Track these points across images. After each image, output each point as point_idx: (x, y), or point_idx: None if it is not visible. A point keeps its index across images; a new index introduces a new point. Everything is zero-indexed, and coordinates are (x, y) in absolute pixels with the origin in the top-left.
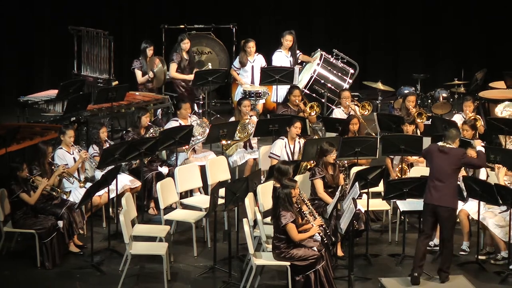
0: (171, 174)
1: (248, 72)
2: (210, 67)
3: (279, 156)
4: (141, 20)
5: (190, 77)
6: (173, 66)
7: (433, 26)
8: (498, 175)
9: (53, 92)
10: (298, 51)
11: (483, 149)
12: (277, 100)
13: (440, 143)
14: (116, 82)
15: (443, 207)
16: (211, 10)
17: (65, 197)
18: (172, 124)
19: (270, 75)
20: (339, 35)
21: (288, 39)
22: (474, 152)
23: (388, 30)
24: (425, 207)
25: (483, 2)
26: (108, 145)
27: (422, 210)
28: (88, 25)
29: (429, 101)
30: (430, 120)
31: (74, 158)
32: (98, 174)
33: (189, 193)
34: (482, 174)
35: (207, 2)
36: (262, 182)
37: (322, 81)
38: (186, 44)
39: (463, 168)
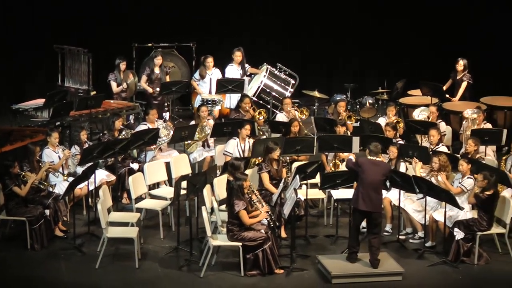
0: (141, 170)
1: (207, 83)
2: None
3: (232, 154)
4: (115, 39)
5: (151, 91)
6: (144, 78)
7: (360, 43)
8: (415, 168)
9: (40, 101)
10: (247, 65)
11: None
12: (230, 106)
13: (369, 157)
14: (94, 92)
15: (377, 213)
16: (174, 31)
17: (51, 189)
18: (142, 127)
19: (224, 86)
20: (282, 50)
21: (237, 55)
22: (395, 149)
23: (323, 47)
24: (357, 212)
25: (402, 22)
26: (87, 145)
27: (351, 198)
28: (70, 43)
29: (358, 106)
30: (358, 122)
31: (59, 156)
32: (79, 170)
33: (156, 185)
34: (402, 167)
35: (171, 25)
36: (218, 175)
37: (268, 90)
38: (158, 60)
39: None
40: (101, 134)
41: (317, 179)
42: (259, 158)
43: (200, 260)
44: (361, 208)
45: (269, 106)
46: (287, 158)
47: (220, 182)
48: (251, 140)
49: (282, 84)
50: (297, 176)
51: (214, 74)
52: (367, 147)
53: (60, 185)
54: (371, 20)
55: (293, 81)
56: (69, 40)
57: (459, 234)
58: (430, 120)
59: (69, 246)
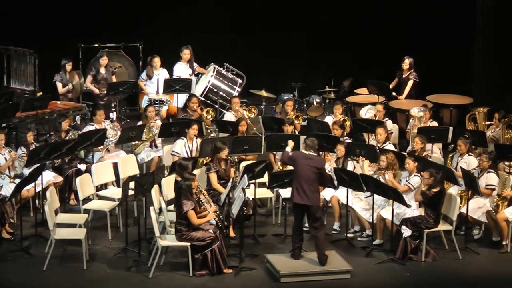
0: (88, 170)
1: (154, 83)
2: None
3: (180, 154)
4: (61, 39)
5: (97, 91)
6: (89, 78)
7: (307, 42)
8: (362, 167)
9: None
10: (195, 64)
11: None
12: (178, 105)
13: (304, 151)
14: (41, 93)
15: (313, 206)
16: (121, 31)
17: None
18: (89, 128)
19: (172, 86)
20: (229, 49)
21: (186, 53)
22: (343, 148)
23: (270, 46)
24: (295, 206)
25: (348, 20)
26: (34, 147)
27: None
28: (16, 44)
29: (305, 105)
30: (306, 121)
31: (5, 158)
32: (26, 171)
33: (104, 186)
34: (349, 165)
35: (117, 25)
36: (165, 176)
37: (215, 90)
38: (104, 61)
39: (334, 160)
40: (48, 135)
41: (265, 178)
42: (207, 158)
43: (148, 261)
44: (297, 201)
45: (216, 106)
46: (235, 157)
47: (168, 182)
48: (199, 140)
49: (230, 84)
50: (245, 175)
51: (161, 74)
52: (304, 141)
53: (6, 187)
54: (317, 19)
55: (240, 81)
56: (15, 41)
57: (406, 232)
58: (377, 118)
59: (17, 248)
